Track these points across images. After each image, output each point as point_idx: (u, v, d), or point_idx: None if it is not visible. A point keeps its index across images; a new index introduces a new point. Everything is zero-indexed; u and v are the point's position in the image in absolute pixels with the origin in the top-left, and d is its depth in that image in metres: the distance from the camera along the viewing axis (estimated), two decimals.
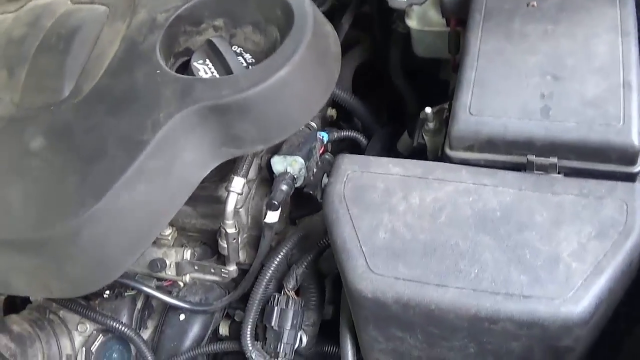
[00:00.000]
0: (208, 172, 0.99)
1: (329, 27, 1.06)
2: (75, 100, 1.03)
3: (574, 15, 1.06)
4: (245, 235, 1.24)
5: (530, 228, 0.89)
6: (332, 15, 1.55)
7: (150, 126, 0.93)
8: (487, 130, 0.95)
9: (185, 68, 1.06)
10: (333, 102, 1.44)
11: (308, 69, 0.96)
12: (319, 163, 1.22)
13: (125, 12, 1.12)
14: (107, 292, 1.35)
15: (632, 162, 0.93)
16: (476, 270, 0.87)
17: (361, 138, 1.37)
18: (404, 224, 0.93)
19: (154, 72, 0.99)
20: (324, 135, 1.25)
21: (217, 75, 1.01)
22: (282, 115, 0.98)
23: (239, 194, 1.12)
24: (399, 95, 1.57)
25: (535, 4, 1.07)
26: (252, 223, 1.24)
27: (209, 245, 1.32)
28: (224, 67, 1.02)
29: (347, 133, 1.35)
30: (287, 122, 0.99)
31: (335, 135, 1.31)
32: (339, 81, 1.55)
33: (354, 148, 1.40)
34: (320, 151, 1.24)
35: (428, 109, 1.09)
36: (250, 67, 1.04)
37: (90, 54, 1.09)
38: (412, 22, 1.32)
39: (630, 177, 0.94)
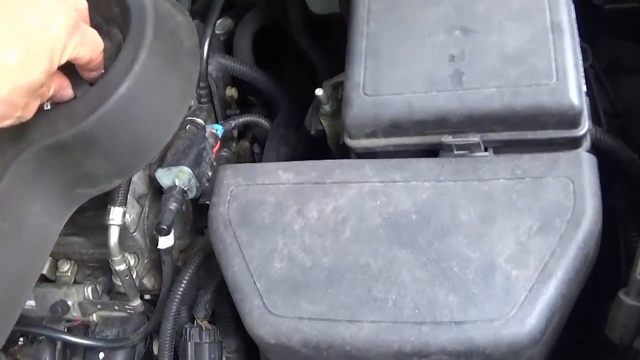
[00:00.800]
0: (65, 221, 0.80)
1: (180, 18, 0.84)
2: None
3: None
4: (146, 261, 1.06)
5: (455, 231, 0.71)
6: None
7: None
8: (388, 112, 0.76)
9: None
10: (232, 79, 1.23)
11: (155, 77, 0.76)
12: (215, 163, 1.02)
13: None
14: (22, 338, 1.21)
15: (574, 125, 0.75)
16: (394, 296, 0.69)
17: (263, 121, 1.16)
18: (302, 247, 0.74)
19: None
20: (217, 129, 1.05)
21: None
22: (135, 140, 0.78)
23: (119, 225, 0.93)
24: (308, 60, 1.35)
25: None
26: (152, 245, 1.05)
27: None
28: None
29: (246, 118, 1.14)
30: (143, 146, 0.79)
31: (233, 124, 1.10)
32: (237, 52, 1.36)
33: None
34: (216, 148, 1.04)
35: (319, 90, 0.89)
36: None
37: None
38: None
39: (573, 143, 0.76)
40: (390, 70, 0.78)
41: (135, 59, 0.74)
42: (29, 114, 0.67)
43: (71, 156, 0.75)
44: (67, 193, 0.78)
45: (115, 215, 0.93)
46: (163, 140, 0.81)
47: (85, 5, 0.71)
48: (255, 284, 0.74)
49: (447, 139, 0.76)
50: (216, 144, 1.05)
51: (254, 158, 1.27)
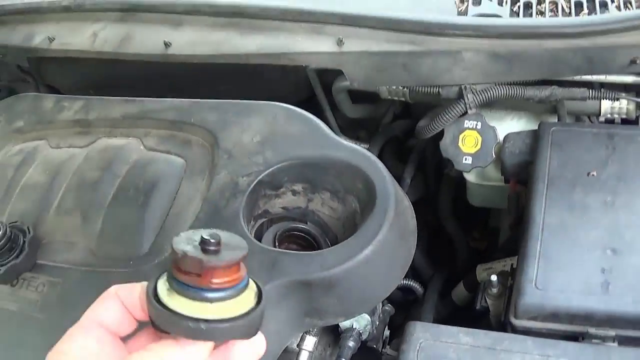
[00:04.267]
0: (289, 341, 1.03)
1: (406, 202, 1.11)
2: (157, 260, 1.08)
3: (632, 185, 1.12)
4: None
5: None
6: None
7: None
8: (552, 304, 1.01)
9: (262, 229, 1.12)
10: None
11: (390, 247, 1.02)
12: (380, 315, 1.27)
13: (204, 169, 1.18)
14: None
15: None
16: None
17: (417, 287, 1.43)
18: None
19: None
20: None
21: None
22: (365, 292, 1.03)
23: (310, 352, 1.17)
24: (445, 236, 1.62)
25: (595, 173, 1.14)
26: None
27: None
28: None
29: (404, 282, 1.41)
30: (368, 298, 1.05)
31: None
32: None
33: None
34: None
35: (494, 277, 1.15)
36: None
37: (169, 211, 1.14)
38: (470, 177, 1.38)
39: None
40: (557, 272, 1.03)
41: (379, 230, 1.00)
42: None
43: (313, 293, 1.00)
44: (299, 319, 1.02)
45: (309, 342, 1.17)
46: (382, 296, 1.07)
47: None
48: None
49: (592, 330, 1.00)
50: None
51: None
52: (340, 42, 1.32)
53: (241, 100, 1.27)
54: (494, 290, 1.16)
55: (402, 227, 1.06)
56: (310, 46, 1.35)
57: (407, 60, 1.28)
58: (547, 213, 1.11)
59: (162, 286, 0.65)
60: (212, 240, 0.63)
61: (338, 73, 1.37)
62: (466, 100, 1.26)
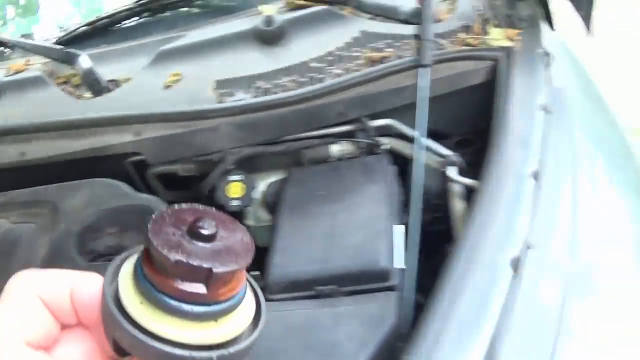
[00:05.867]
0: None
1: None
2: None
3: (345, 197, 1.57)
4: None
5: None
6: None
7: None
8: (291, 277, 1.41)
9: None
10: None
11: None
12: None
13: (49, 227, 1.59)
14: None
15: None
16: None
17: None
18: None
19: None
20: None
21: None
22: None
23: None
24: None
25: (322, 192, 1.59)
26: None
27: None
28: None
29: None
30: None
31: None
32: None
33: None
34: None
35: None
36: None
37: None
38: (249, 222, 1.77)
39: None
40: (293, 256, 1.46)
41: None
42: None
43: None
44: None
45: None
46: None
47: None
48: None
49: (322, 288, 1.42)
50: None
51: None
52: (138, 133, 1.77)
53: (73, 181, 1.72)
54: None
55: None
56: (116, 139, 1.79)
57: (184, 138, 1.74)
58: (287, 219, 1.54)
59: (129, 294, 0.50)
60: (206, 232, 0.50)
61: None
62: (227, 160, 1.72)
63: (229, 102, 1.71)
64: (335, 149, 1.76)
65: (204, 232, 0.49)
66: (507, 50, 1.78)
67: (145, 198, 1.57)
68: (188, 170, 1.83)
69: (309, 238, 1.49)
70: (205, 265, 0.47)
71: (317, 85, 1.69)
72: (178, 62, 1.97)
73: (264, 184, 1.76)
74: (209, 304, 0.48)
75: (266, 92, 1.75)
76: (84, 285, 0.55)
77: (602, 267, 1.47)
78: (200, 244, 0.49)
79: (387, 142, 1.72)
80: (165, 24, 2.41)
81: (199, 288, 0.47)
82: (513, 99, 1.66)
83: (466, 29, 1.91)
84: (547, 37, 2.16)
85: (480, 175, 1.43)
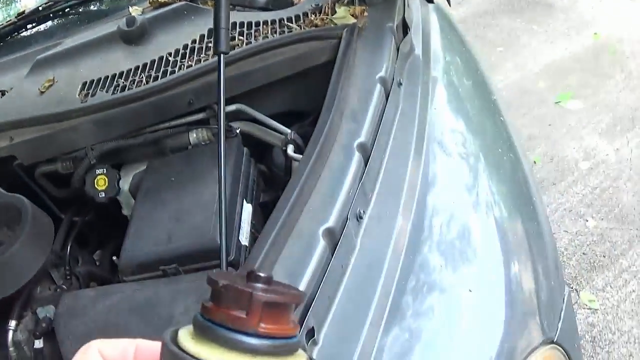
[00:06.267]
0: None
1: (45, 219, 1.65)
2: None
3: (194, 183, 1.71)
4: None
5: None
6: None
7: None
8: (138, 259, 1.56)
9: None
10: None
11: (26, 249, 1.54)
12: None
13: None
14: None
15: None
16: None
17: None
18: None
19: None
20: None
21: None
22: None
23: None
24: None
25: (173, 179, 1.72)
26: None
27: None
28: None
29: None
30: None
31: None
32: None
33: None
34: None
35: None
36: None
37: None
38: (124, 211, 1.91)
39: None
40: (141, 240, 1.60)
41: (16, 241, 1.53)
42: None
43: None
44: None
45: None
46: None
47: None
48: None
49: (166, 267, 1.55)
50: None
51: None
52: (11, 139, 1.89)
53: None
54: None
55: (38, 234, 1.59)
56: None
57: (52, 138, 1.87)
58: (141, 206, 1.68)
59: (185, 333, 0.54)
60: (262, 275, 0.53)
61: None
62: (89, 155, 1.85)
63: (88, 102, 1.82)
64: (192, 136, 1.88)
65: (261, 274, 0.53)
66: (350, 27, 1.88)
67: (10, 196, 1.68)
68: (67, 168, 1.95)
69: (157, 222, 1.62)
70: (245, 288, 0.51)
71: (166, 78, 1.81)
72: (52, 69, 2.08)
73: (130, 175, 1.89)
74: (247, 333, 0.50)
75: (123, 89, 1.87)
76: (147, 343, 0.60)
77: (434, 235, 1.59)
78: (259, 284, 0.53)
79: (238, 126, 1.83)
80: (46, 34, 2.52)
81: (237, 316, 0.51)
82: (351, 74, 1.77)
83: (318, 10, 2.02)
84: (416, 8, 2.27)
85: (306, 149, 1.54)
